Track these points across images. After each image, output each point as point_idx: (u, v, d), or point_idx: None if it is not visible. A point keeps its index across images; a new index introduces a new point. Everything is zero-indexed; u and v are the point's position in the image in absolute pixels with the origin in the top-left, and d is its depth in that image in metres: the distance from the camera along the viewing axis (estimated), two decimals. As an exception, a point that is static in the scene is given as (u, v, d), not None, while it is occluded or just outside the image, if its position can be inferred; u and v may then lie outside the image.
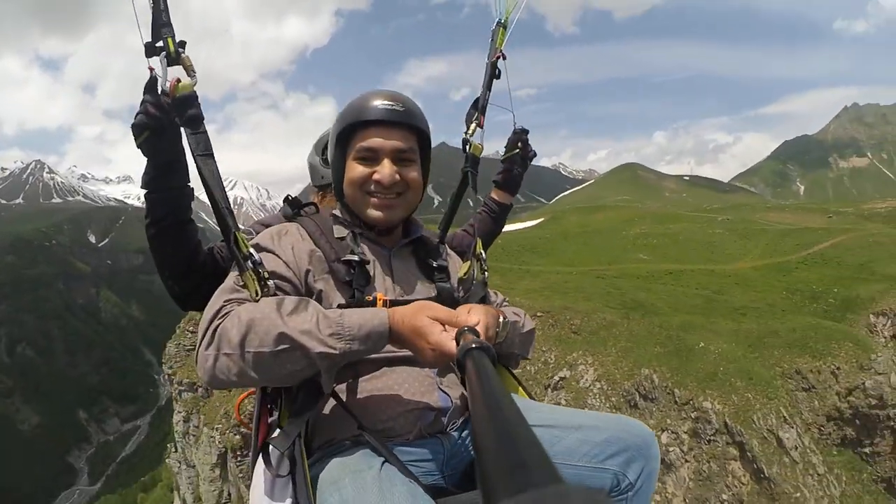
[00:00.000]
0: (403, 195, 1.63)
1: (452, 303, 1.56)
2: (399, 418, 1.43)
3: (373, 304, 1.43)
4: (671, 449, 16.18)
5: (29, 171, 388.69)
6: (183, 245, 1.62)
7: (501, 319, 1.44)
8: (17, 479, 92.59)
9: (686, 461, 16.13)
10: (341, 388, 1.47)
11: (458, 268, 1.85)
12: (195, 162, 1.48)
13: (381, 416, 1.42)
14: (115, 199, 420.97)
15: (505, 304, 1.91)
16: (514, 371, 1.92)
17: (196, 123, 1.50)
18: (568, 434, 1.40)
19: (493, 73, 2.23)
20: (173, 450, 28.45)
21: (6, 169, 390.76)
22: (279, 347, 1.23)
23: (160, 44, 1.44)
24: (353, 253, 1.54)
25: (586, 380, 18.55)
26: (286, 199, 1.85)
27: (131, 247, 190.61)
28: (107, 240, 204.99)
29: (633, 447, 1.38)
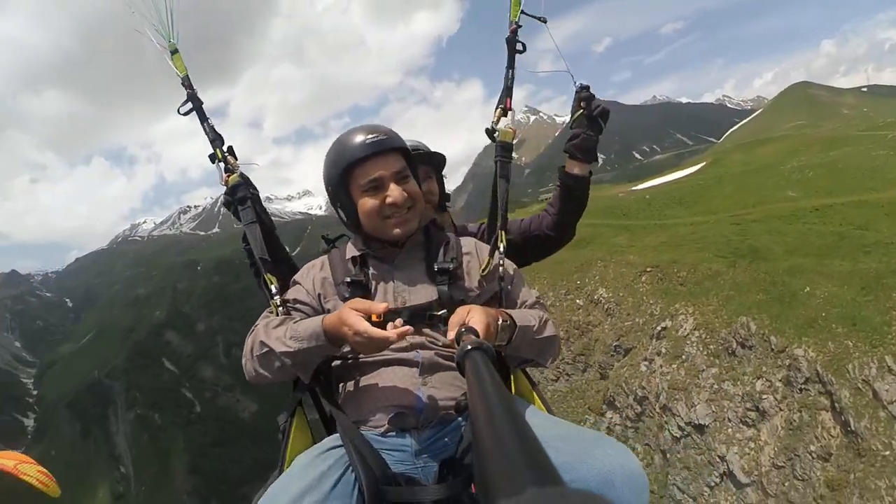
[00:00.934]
0: (413, 208, 1.81)
1: (451, 304, 1.68)
2: (376, 412, 1.60)
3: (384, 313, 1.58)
4: (765, 397, 16.21)
5: (218, 203, 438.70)
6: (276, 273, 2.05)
7: (500, 321, 1.55)
8: (241, 459, 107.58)
9: (780, 410, 16.01)
10: (349, 383, 1.74)
11: (482, 262, 1.90)
12: (244, 226, 2.13)
13: (362, 409, 1.63)
14: (300, 213, 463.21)
15: (537, 306, 1.93)
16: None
17: (243, 201, 2.13)
18: None
19: (514, 50, 2.24)
20: None
21: (198, 206, 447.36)
22: (263, 351, 1.66)
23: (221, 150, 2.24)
24: (351, 274, 1.81)
25: (685, 329, 19.09)
26: (323, 237, 2.12)
27: (319, 251, 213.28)
28: (298, 249, 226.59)
29: (582, 481, 1.23)
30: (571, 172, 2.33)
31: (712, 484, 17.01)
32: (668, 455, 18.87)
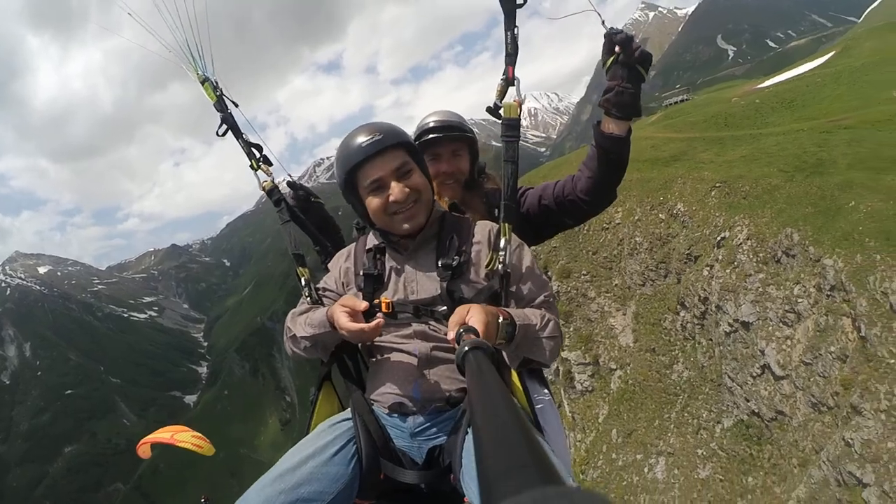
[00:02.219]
0: (419, 201, 1.87)
1: (451, 302, 1.78)
2: (383, 393, 1.82)
3: (378, 306, 1.79)
4: (800, 301, 18.39)
5: None
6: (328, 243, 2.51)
7: (501, 320, 1.59)
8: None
9: (812, 313, 18.01)
10: (372, 363, 1.96)
11: (490, 252, 1.89)
12: (280, 226, 2.39)
13: (375, 387, 1.86)
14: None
15: (545, 304, 1.90)
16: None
17: (277, 203, 2.43)
18: None
19: (513, 5, 1.96)
20: None
21: (330, 157, 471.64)
22: (290, 335, 1.96)
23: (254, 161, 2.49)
24: (365, 266, 1.95)
25: (739, 238, 21.59)
26: (355, 225, 2.23)
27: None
28: None
29: None
30: (607, 131, 2.06)
31: (755, 374, 19.68)
32: (720, 348, 21.86)
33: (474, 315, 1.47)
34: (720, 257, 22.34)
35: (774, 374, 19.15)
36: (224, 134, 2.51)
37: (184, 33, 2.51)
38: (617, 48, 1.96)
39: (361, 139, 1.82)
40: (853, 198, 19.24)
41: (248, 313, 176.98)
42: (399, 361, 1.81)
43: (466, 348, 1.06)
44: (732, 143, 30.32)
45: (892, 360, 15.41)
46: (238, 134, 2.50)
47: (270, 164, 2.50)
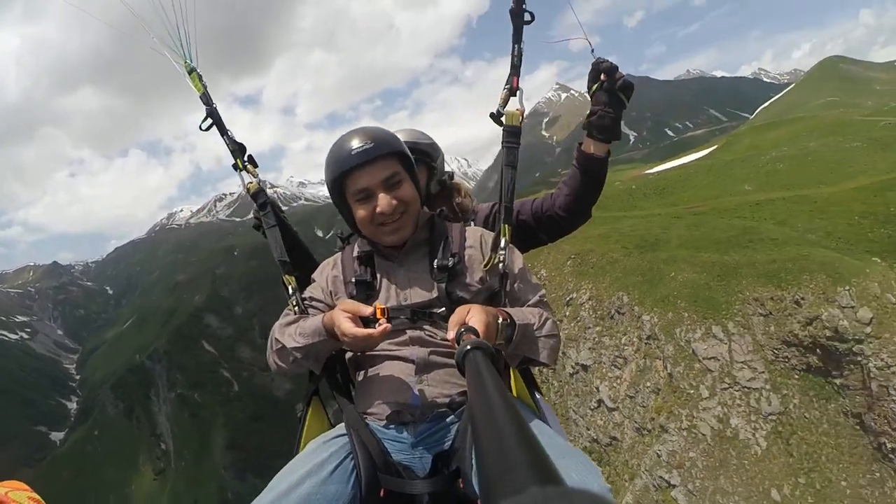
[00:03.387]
0: (406, 213, 1.89)
1: (450, 302, 1.81)
2: (378, 405, 1.77)
3: (373, 314, 1.68)
4: (626, 348, 23.84)
5: None
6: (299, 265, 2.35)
7: (500, 320, 1.63)
8: (277, 434, 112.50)
9: (635, 357, 23.45)
10: (360, 374, 1.93)
11: (483, 256, 1.95)
12: (265, 230, 2.38)
13: (367, 400, 1.81)
14: None
15: (541, 304, 1.95)
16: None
17: (263, 207, 2.39)
18: None
19: (521, 22, 2.12)
20: None
21: (233, 193, 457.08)
22: (278, 347, 1.91)
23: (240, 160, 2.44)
24: (356, 273, 1.96)
25: (582, 299, 27.35)
26: (338, 235, 2.32)
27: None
28: (331, 232, 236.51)
29: None
30: (588, 152, 2.24)
31: (592, 407, 24.68)
32: (566, 386, 27.03)
33: (474, 315, 1.50)
34: (567, 313, 27.75)
35: (607, 406, 24.15)
36: (208, 129, 2.48)
37: (169, 18, 2.40)
38: (602, 76, 2.12)
39: (353, 145, 1.82)
40: (674, 269, 24.63)
41: (128, 349, 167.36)
42: (394, 369, 1.78)
43: (467, 348, 1.07)
44: (597, 223, 34.76)
45: (691, 391, 20.39)
46: (223, 130, 2.46)
47: (256, 166, 2.46)
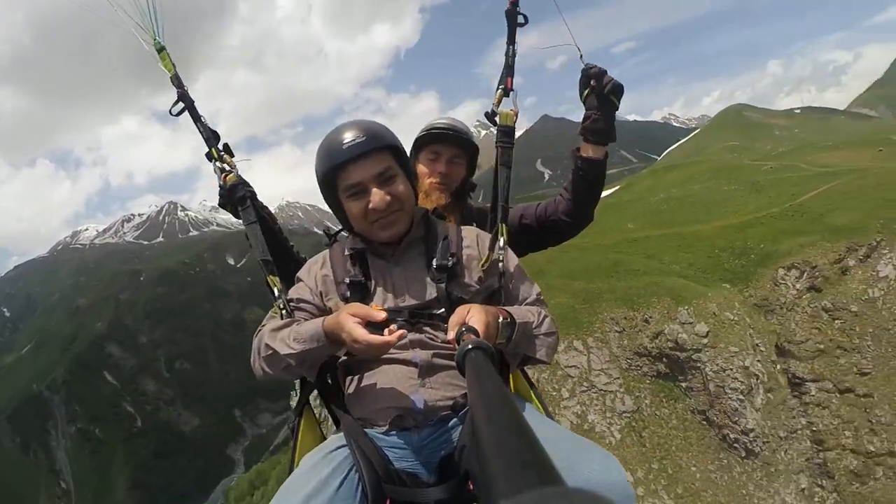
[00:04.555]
0: (400, 210, 1.85)
1: (450, 302, 1.78)
2: (378, 411, 1.70)
3: (386, 318, 1.58)
4: None
5: (164, 212, 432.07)
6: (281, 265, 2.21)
7: (501, 319, 1.63)
8: (184, 473, 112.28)
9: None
10: (353, 381, 1.83)
11: (480, 256, 1.95)
12: (245, 227, 2.24)
13: (366, 408, 1.73)
14: None
15: (538, 302, 1.97)
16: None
17: (242, 201, 2.25)
18: None
19: (514, 24, 2.24)
20: (293, 394, 39.64)
21: (143, 214, 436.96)
22: (268, 353, 1.78)
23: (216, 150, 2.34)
24: (350, 273, 1.88)
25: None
26: (325, 231, 2.25)
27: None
28: (244, 260, 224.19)
29: None
30: (584, 155, 2.34)
31: None
32: None
33: (475, 315, 1.49)
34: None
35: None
36: (179, 113, 2.34)
37: None
38: (592, 81, 2.22)
39: (345, 138, 1.78)
40: (549, 295, 26.33)
41: (24, 377, 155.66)
42: (395, 373, 1.73)
43: (468, 348, 1.07)
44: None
45: (554, 393, 22.19)
46: (196, 115, 2.35)
47: (232, 155, 2.33)
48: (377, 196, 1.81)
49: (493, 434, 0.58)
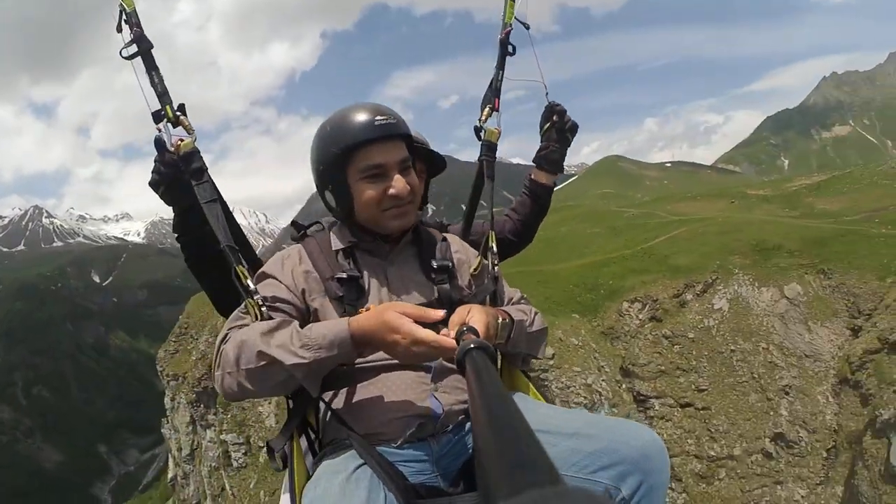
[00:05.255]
0: (413, 202, 1.80)
1: (450, 304, 1.69)
2: (389, 424, 1.56)
3: (444, 318, 1.48)
4: None
5: (28, 217, 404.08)
6: (214, 275, 2.00)
7: (500, 319, 1.62)
8: None
9: None
10: (342, 394, 1.66)
11: (471, 262, 1.96)
12: (202, 207, 1.83)
13: (372, 422, 1.57)
14: (116, 238, 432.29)
15: (523, 301, 2.01)
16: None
17: (199, 174, 1.88)
18: (560, 441, 1.42)
19: (505, 52, 2.37)
20: (166, 422, 38.61)
21: (4, 217, 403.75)
22: (261, 363, 1.46)
23: (163, 111, 1.88)
24: (344, 269, 1.73)
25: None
26: (293, 223, 2.02)
27: (135, 283, 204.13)
28: (111, 278, 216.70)
29: (627, 460, 1.38)
30: (539, 181, 2.53)
31: None
32: None
33: (475, 315, 1.47)
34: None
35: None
36: (131, 57, 1.90)
37: None
38: (555, 117, 2.41)
39: (374, 117, 1.69)
40: None
41: None
42: (404, 380, 1.63)
43: (469, 347, 1.06)
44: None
45: None
46: (152, 65, 1.93)
47: (186, 116, 1.92)
48: (400, 182, 1.72)
49: (493, 434, 0.59)
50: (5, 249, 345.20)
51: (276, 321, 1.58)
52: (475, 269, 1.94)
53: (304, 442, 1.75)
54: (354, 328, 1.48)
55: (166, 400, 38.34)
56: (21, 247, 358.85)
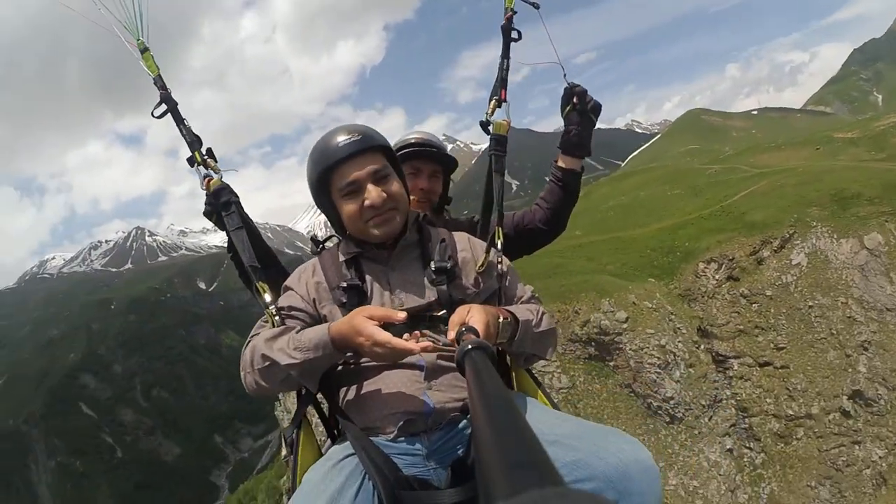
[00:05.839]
0: (395, 209, 1.86)
1: (450, 305, 1.76)
2: (384, 418, 1.68)
3: (406, 319, 1.60)
4: None
5: (131, 238, 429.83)
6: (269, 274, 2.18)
7: (502, 319, 1.66)
8: (169, 502, 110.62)
9: None
10: (348, 389, 1.81)
11: (479, 259, 1.97)
12: (227, 235, 2.15)
13: (369, 416, 1.71)
14: (216, 246, 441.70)
15: (533, 300, 2.04)
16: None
17: (227, 207, 2.17)
18: None
19: (509, 39, 2.32)
20: (278, 405, 41.14)
21: (110, 240, 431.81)
22: (265, 364, 1.72)
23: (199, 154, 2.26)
24: (346, 279, 1.86)
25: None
26: (311, 238, 2.20)
27: (238, 286, 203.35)
28: (216, 283, 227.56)
29: (601, 477, 1.36)
30: (564, 167, 2.49)
31: None
32: None
33: (475, 315, 1.52)
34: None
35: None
36: (162, 116, 2.28)
37: None
38: (575, 99, 2.37)
39: (340, 138, 1.82)
40: None
41: None
42: (400, 377, 1.73)
43: (467, 348, 1.08)
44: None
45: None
46: (179, 118, 2.29)
47: (216, 160, 2.28)
48: (374, 192, 1.81)
49: (492, 433, 0.59)
50: (114, 270, 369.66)
51: (280, 328, 1.82)
52: (480, 267, 1.96)
53: (324, 431, 2.06)
54: (333, 332, 1.64)
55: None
56: (128, 265, 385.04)
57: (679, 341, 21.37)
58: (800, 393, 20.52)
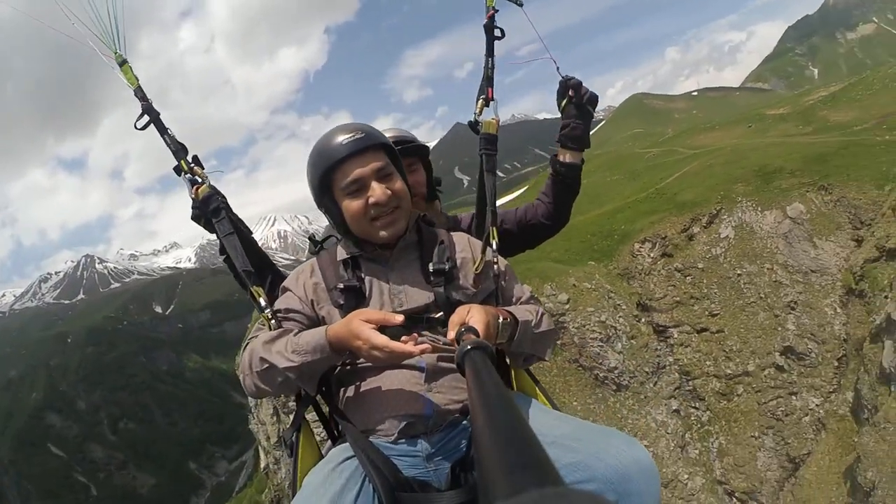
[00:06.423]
0: (399, 207, 1.87)
1: (448, 306, 1.76)
2: (384, 420, 1.68)
3: (403, 322, 1.59)
4: None
5: (81, 267, 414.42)
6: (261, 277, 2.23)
7: (501, 319, 1.65)
8: None
9: None
10: (349, 391, 1.81)
11: (474, 260, 1.95)
12: (219, 240, 2.17)
13: (370, 417, 1.71)
14: (169, 268, 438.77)
15: (532, 301, 2.03)
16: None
17: (217, 213, 2.17)
18: None
19: (492, 37, 2.35)
20: (252, 419, 41.53)
21: (59, 272, 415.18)
22: (263, 367, 1.72)
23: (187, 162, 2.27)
24: (344, 280, 1.85)
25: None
26: (310, 238, 2.19)
27: (196, 306, 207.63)
28: (172, 306, 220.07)
29: (600, 478, 1.35)
30: (564, 160, 2.46)
31: None
32: None
33: (475, 315, 1.51)
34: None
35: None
36: (144, 127, 2.29)
37: (95, 3, 2.22)
38: (570, 92, 2.35)
39: (341, 137, 1.81)
40: None
41: None
42: (399, 379, 1.72)
43: (467, 348, 1.08)
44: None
45: None
46: (163, 129, 2.30)
47: (202, 167, 2.29)
48: (378, 189, 1.81)
49: (492, 434, 0.58)
50: (67, 301, 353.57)
51: (279, 331, 1.81)
52: (477, 268, 1.94)
53: (324, 433, 2.03)
54: (330, 335, 1.64)
55: (249, 399, 41.02)
56: (81, 296, 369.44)
57: (620, 316, 22.90)
58: (736, 353, 22.22)
